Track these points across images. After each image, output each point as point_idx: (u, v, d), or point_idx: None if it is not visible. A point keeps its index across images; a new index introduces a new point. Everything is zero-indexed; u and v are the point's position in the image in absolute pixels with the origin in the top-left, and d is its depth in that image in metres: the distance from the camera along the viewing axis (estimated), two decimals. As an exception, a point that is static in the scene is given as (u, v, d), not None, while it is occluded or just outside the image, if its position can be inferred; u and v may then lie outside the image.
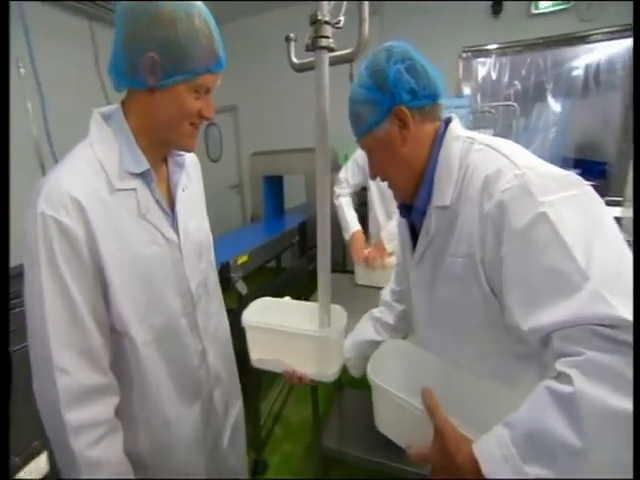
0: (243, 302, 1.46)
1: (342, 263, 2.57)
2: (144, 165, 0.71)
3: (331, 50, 0.72)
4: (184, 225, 0.79)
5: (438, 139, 0.71)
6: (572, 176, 0.56)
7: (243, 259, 1.53)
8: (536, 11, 3.31)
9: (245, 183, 4.48)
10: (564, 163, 3.57)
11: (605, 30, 3.16)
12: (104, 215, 0.65)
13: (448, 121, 0.73)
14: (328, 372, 0.87)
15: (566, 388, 0.44)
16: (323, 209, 0.82)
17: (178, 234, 0.77)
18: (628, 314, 0.43)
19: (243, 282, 1.50)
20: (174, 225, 0.77)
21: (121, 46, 0.65)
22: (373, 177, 0.79)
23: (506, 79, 3.69)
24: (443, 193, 0.67)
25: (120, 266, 0.67)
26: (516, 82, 3.71)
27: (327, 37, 0.70)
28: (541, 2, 3.25)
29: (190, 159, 0.88)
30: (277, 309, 0.96)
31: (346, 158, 3.98)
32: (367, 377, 0.69)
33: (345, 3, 0.75)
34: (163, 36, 0.63)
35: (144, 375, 0.73)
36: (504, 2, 3.31)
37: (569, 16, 3.22)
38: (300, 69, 0.98)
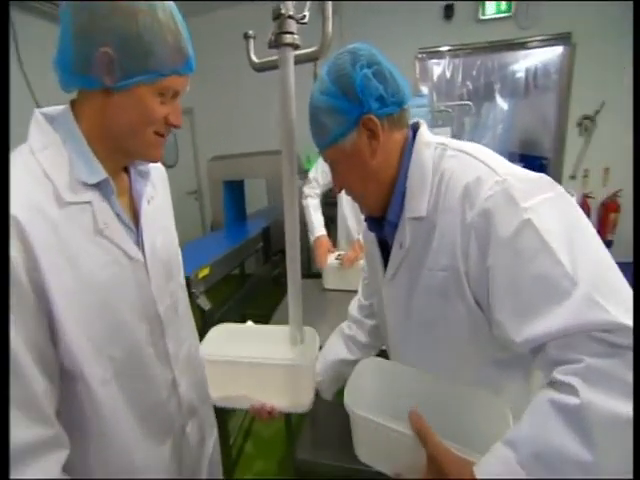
0: (206, 319, 1.36)
1: (308, 267, 2.52)
2: (101, 174, 0.61)
3: (296, 47, 0.67)
4: (150, 241, 0.70)
5: (407, 147, 0.66)
6: (545, 178, 0.55)
7: (204, 272, 1.43)
8: (483, 17, 3.54)
9: (204, 189, 4.30)
10: (511, 157, 3.79)
11: (540, 38, 3.52)
12: (50, 234, 0.54)
13: (415, 127, 0.69)
14: (303, 402, 0.82)
15: (572, 400, 0.43)
16: (292, 221, 0.77)
17: (144, 252, 0.68)
18: (624, 318, 0.43)
19: (205, 297, 1.40)
20: (139, 242, 0.68)
21: (70, 38, 0.56)
22: (338, 190, 0.73)
23: (459, 79, 3.88)
24: (417, 203, 0.63)
25: (71, 294, 0.56)
26: (468, 82, 3.92)
27: (292, 33, 0.65)
28: (487, 9, 3.48)
29: (156, 168, 0.80)
30: (239, 336, 0.89)
31: (309, 160, 3.97)
32: (345, 406, 0.63)
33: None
34: (122, 28, 0.54)
35: (102, 419, 0.62)
36: (455, 7, 3.50)
37: (510, 24, 3.51)
38: (261, 68, 0.92)
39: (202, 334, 1.42)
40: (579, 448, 0.41)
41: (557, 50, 3.65)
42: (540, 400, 0.47)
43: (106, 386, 0.62)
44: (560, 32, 3.49)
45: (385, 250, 0.74)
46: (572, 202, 0.54)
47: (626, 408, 0.41)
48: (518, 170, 0.57)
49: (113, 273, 0.62)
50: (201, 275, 1.40)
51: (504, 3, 3.48)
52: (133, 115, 0.60)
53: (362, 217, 0.77)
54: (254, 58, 0.93)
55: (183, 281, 0.84)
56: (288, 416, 1.52)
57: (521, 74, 3.95)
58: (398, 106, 0.64)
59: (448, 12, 3.54)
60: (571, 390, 0.43)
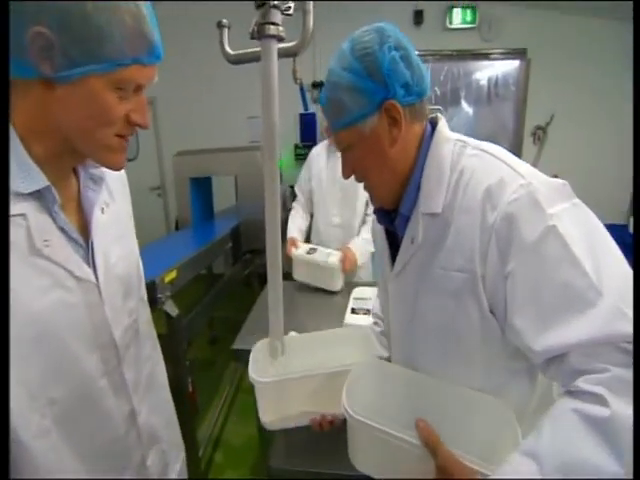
0: (174, 325, 1.28)
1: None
2: (39, 181, 0.51)
3: (280, 40, 0.63)
4: (104, 257, 0.61)
5: (426, 140, 0.64)
6: (567, 185, 0.54)
7: (171, 275, 1.33)
8: (450, 26, 3.73)
9: (168, 185, 4.08)
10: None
11: (500, 51, 3.86)
12: None
13: (433, 121, 0.67)
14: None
15: (601, 411, 0.42)
16: (273, 224, 0.72)
17: (95, 269, 0.59)
18: None
19: (172, 302, 1.31)
20: (89, 258, 0.59)
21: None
22: (347, 176, 0.69)
23: (429, 84, 3.97)
24: (433, 199, 0.61)
25: None
26: (436, 87, 4.05)
27: (276, 24, 0.60)
28: (454, 18, 3.68)
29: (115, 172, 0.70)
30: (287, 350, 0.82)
31: (280, 158, 3.90)
32: (344, 411, 0.59)
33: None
34: (63, 5, 0.45)
35: (41, 475, 0.53)
36: (424, 14, 3.64)
37: (475, 35, 3.78)
38: (236, 61, 0.86)
39: (169, 341, 1.35)
40: (610, 460, 0.41)
41: (515, 63, 3.94)
42: (563, 409, 0.46)
43: (43, 438, 0.52)
44: (517, 47, 3.80)
45: (393, 244, 0.71)
46: (590, 212, 0.53)
47: None
48: (540, 174, 0.56)
49: (55, 299, 0.53)
50: (167, 279, 1.30)
51: (469, 14, 3.68)
52: (84, 113, 0.50)
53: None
54: (228, 49, 0.88)
55: (144, 293, 0.76)
56: (262, 426, 1.47)
57: (484, 82, 4.13)
58: (420, 96, 0.62)
59: (418, 18, 3.67)
60: (599, 400, 0.43)
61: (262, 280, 2.31)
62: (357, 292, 1.56)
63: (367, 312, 1.40)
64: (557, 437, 0.45)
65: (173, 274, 1.35)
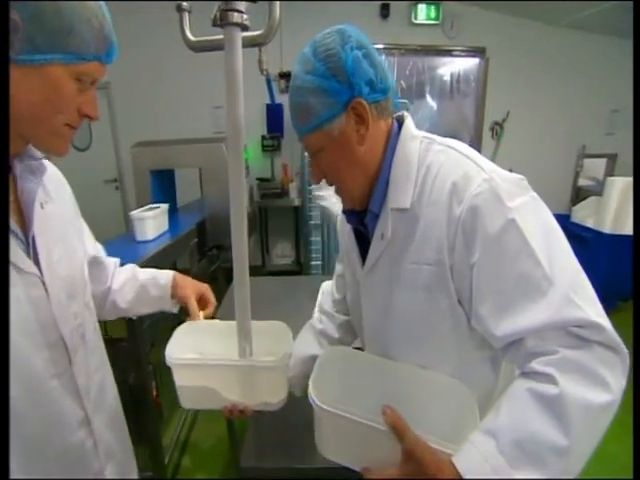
0: (135, 328, 1.21)
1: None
2: None
3: (244, 28, 0.59)
4: (46, 252, 0.58)
5: (393, 137, 0.65)
6: (524, 180, 0.58)
7: (132, 275, 1.26)
8: (415, 21, 3.80)
9: (126, 177, 3.84)
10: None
11: (461, 48, 4.02)
12: None
13: (400, 119, 0.68)
14: (276, 400, 0.77)
15: (551, 389, 0.46)
16: (239, 220, 0.69)
17: (39, 265, 0.56)
18: (595, 317, 0.47)
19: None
20: (30, 253, 0.56)
21: None
22: (318, 180, 0.69)
23: (394, 77, 4.07)
24: (401, 195, 0.62)
25: None
26: (402, 81, 4.11)
27: (240, 12, 0.56)
28: (419, 14, 3.76)
29: (51, 172, 0.67)
30: (206, 335, 0.81)
31: (246, 150, 3.80)
32: (310, 400, 0.59)
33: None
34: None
35: None
36: (390, 8, 3.68)
37: (439, 31, 3.90)
38: (199, 48, 0.81)
39: (131, 345, 1.28)
40: (557, 434, 0.45)
41: (475, 61, 4.12)
42: (518, 389, 0.50)
43: None
44: (477, 46, 3.99)
45: (362, 242, 0.71)
46: (545, 205, 0.57)
47: (596, 396, 0.45)
48: (500, 169, 0.58)
49: None
50: (127, 280, 1.22)
51: (433, 11, 3.77)
52: (40, 96, 0.51)
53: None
54: (190, 35, 0.82)
55: (90, 300, 0.72)
56: (231, 424, 1.44)
57: (447, 78, 4.26)
58: (385, 93, 0.62)
59: (384, 11, 3.69)
60: (549, 379, 0.46)
61: (229, 275, 2.25)
62: (325, 286, 1.55)
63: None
64: (512, 414, 0.48)
65: (133, 274, 1.27)
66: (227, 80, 0.60)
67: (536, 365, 0.48)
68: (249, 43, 0.76)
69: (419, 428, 0.53)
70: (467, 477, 0.46)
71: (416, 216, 0.61)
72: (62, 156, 0.58)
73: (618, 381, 0.46)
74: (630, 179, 2.85)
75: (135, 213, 1.76)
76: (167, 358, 0.72)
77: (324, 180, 0.68)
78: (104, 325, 1.03)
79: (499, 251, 0.53)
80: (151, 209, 1.85)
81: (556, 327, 0.48)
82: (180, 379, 0.75)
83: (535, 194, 0.57)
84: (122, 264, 1.32)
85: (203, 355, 0.80)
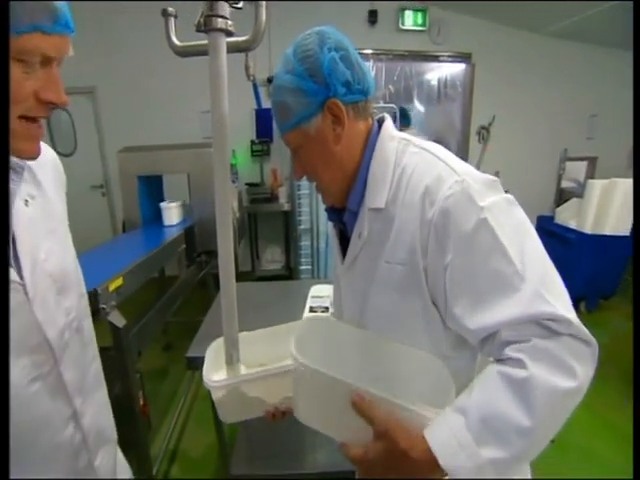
0: (121, 336, 1.19)
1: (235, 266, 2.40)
2: None
3: (229, 34, 0.59)
4: (31, 253, 0.56)
5: (372, 138, 0.66)
6: (496, 180, 0.59)
7: (117, 283, 1.23)
8: (402, 27, 3.85)
9: (113, 183, 3.79)
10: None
11: (448, 54, 4.09)
12: None
13: (380, 120, 0.69)
14: None
15: (520, 373, 0.48)
16: (224, 225, 0.68)
17: (19, 267, 0.54)
18: (565, 312, 0.49)
19: (118, 311, 1.21)
20: (13, 255, 0.54)
21: None
22: (299, 177, 0.71)
23: (382, 82, 4.13)
24: (377, 195, 0.64)
25: None
26: (390, 86, 4.17)
27: (224, 17, 0.56)
28: (406, 20, 3.81)
29: (46, 157, 0.63)
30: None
31: (234, 155, 3.79)
32: (293, 358, 0.59)
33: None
34: None
35: None
36: (378, 14, 3.73)
37: (425, 37, 3.97)
38: (184, 53, 0.80)
39: (116, 353, 1.25)
40: (521, 415, 0.47)
41: (461, 66, 4.20)
42: (490, 372, 0.52)
43: None
44: (463, 51, 4.07)
45: (344, 239, 0.73)
46: (517, 205, 0.58)
47: (562, 382, 0.47)
48: (473, 171, 0.60)
49: None
50: (112, 287, 1.20)
51: (420, 17, 3.83)
52: None
53: None
54: (175, 40, 0.82)
55: (84, 291, 0.71)
56: (221, 431, 1.42)
57: (434, 83, 4.34)
58: (363, 95, 0.63)
59: (372, 17, 3.74)
60: (519, 364, 0.49)
61: (218, 282, 2.23)
62: (315, 290, 1.55)
63: (325, 310, 1.40)
64: (482, 394, 0.51)
65: (119, 281, 1.25)
66: (211, 86, 0.60)
67: (508, 351, 0.51)
68: (235, 49, 0.76)
69: (398, 397, 0.53)
70: (436, 450, 0.49)
71: (391, 216, 0.62)
72: (28, 159, 0.54)
73: (585, 370, 0.49)
74: (609, 181, 2.93)
75: (164, 204, 2.35)
76: (205, 381, 0.70)
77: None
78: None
79: (472, 250, 0.54)
80: (172, 201, 2.43)
81: (528, 320, 0.50)
82: (220, 398, 0.73)
83: (508, 195, 0.57)
84: (108, 271, 1.30)
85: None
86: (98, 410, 0.68)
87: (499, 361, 0.52)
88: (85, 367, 0.65)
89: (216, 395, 0.72)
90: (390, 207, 0.62)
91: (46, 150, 0.64)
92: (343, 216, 0.70)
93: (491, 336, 0.54)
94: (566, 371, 0.48)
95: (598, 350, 0.50)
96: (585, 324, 0.50)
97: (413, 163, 0.62)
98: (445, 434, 0.50)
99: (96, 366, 0.70)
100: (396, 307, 0.64)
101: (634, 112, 1.72)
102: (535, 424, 0.47)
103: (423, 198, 0.57)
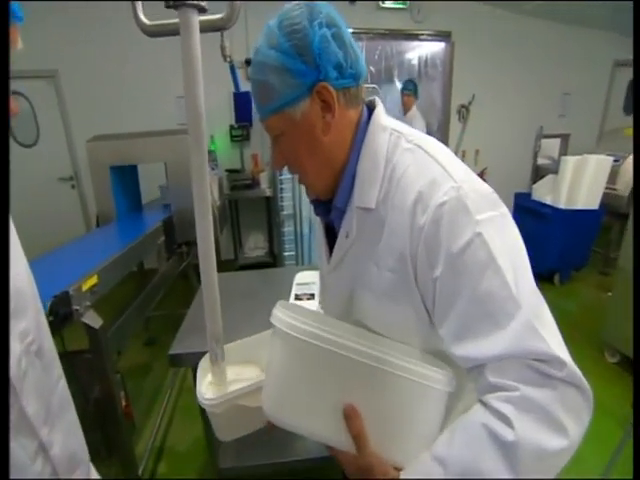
0: (98, 337, 1.13)
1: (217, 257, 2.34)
2: None
3: (202, 10, 0.53)
4: None
5: (362, 127, 0.59)
6: (495, 194, 0.54)
7: (91, 282, 1.15)
8: (383, 5, 3.80)
9: (83, 174, 3.57)
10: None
11: (428, 32, 4.07)
12: None
13: (370, 105, 0.62)
14: None
15: (508, 435, 0.44)
16: (203, 216, 0.64)
17: None
18: (558, 350, 0.45)
19: (94, 311, 1.14)
20: None
21: None
22: (278, 168, 0.63)
23: (365, 67, 4.03)
24: (367, 193, 0.58)
25: None
26: (371, 66, 4.09)
27: (195, -9, 0.50)
28: None
29: None
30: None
31: (213, 141, 3.65)
32: (272, 324, 0.54)
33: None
34: None
35: None
36: None
37: (406, 16, 3.92)
38: (154, 33, 0.74)
39: (94, 355, 1.18)
40: (506, 477, 0.44)
41: (441, 45, 4.18)
42: (475, 422, 0.48)
43: None
44: (443, 30, 4.05)
45: (331, 237, 0.67)
46: (514, 224, 0.53)
47: (551, 442, 0.44)
48: (473, 177, 0.54)
49: None
50: (86, 287, 1.13)
51: None
52: None
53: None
54: (144, 19, 0.75)
55: (40, 306, 0.65)
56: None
57: (415, 62, 4.30)
58: (355, 80, 0.57)
59: (352, -4, 3.61)
60: (506, 421, 0.45)
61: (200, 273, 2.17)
62: (300, 277, 1.51)
63: (311, 297, 1.37)
64: (464, 447, 0.48)
65: (93, 280, 1.18)
66: (184, 67, 0.54)
67: (495, 401, 0.47)
68: (209, 27, 0.70)
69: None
70: None
71: (381, 218, 0.56)
72: None
73: (578, 423, 0.45)
74: (581, 157, 3.01)
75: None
76: (200, 401, 0.66)
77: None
78: (60, 338, 0.95)
79: (463, 266, 0.48)
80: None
81: (517, 356, 0.46)
82: (216, 417, 0.69)
83: (506, 210, 0.52)
84: (81, 270, 1.22)
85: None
86: (67, 433, 0.63)
87: (484, 404, 0.49)
88: (50, 392, 0.60)
89: (214, 412, 0.67)
90: (381, 208, 0.56)
91: None
92: (330, 210, 0.64)
93: (476, 368, 0.49)
94: (557, 428, 0.44)
95: (592, 398, 0.46)
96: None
97: (405, 162, 0.55)
98: None
99: (61, 386, 0.64)
100: (385, 312, 0.59)
101: (634, 112, 1.75)
102: None
103: (415, 204, 0.52)
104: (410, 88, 3.49)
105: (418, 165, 0.54)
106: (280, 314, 0.52)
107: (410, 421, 0.52)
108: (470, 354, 0.49)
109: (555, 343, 0.46)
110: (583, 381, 0.46)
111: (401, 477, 0.50)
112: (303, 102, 0.54)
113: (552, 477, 0.46)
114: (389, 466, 0.51)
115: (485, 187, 0.53)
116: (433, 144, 0.58)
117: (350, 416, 0.50)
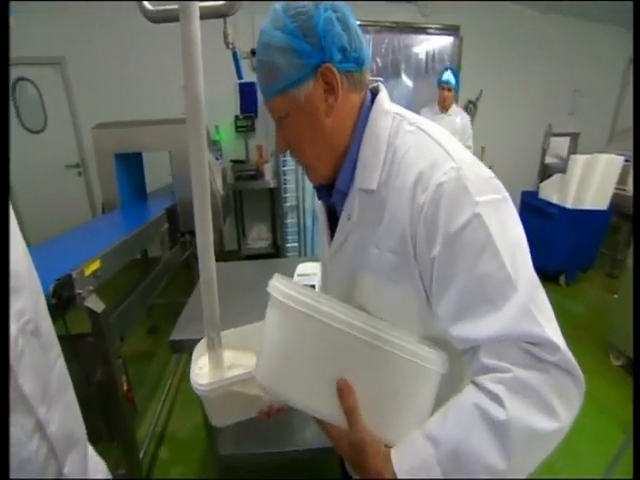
0: (100, 321, 1.15)
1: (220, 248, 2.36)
2: None
3: (201, -4, 0.53)
4: None
5: (364, 112, 0.60)
6: (496, 180, 0.54)
7: (94, 266, 1.17)
8: None
9: (90, 162, 3.60)
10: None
11: (436, 26, 4.01)
12: None
13: (374, 91, 0.63)
14: None
15: (500, 414, 0.45)
16: (202, 204, 0.64)
17: None
18: (552, 335, 0.45)
19: (96, 296, 1.16)
20: None
21: None
22: (282, 150, 0.64)
23: (370, 54, 4.00)
24: (369, 175, 0.58)
25: None
26: (378, 59, 4.05)
27: (195, -25, 0.50)
28: None
29: None
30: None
31: (218, 132, 3.65)
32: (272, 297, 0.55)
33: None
34: None
35: None
36: None
37: (413, 9, 3.87)
38: (157, 19, 0.74)
39: (96, 339, 1.21)
40: (497, 458, 0.45)
41: (449, 39, 4.12)
42: (468, 402, 0.48)
43: None
44: (451, 24, 3.99)
45: (333, 221, 0.68)
46: (514, 210, 0.53)
47: (542, 424, 0.44)
48: (475, 161, 0.54)
49: None
50: (89, 271, 1.15)
51: None
52: None
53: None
54: (148, 5, 0.75)
55: (39, 288, 0.66)
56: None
57: (422, 56, 4.24)
58: (359, 65, 0.58)
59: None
60: (498, 400, 0.45)
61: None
62: (301, 268, 1.53)
63: (312, 288, 1.38)
64: (456, 426, 0.48)
65: (96, 264, 1.20)
66: (183, 54, 0.54)
67: (487, 382, 0.47)
68: (212, 14, 0.71)
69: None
70: (400, 477, 0.48)
71: (382, 200, 0.57)
72: None
73: (568, 409, 0.45)
74: (591, 156, 2.95)
75: None
76: (194, 386, 0.66)
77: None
78: (63, 321, 0.97)
79: (460, 247, 0.49)
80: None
81: (512, 339, 0.46)
82: (210, 403, 0.70)
83: (507, 195, 0.52)
84: (84, 254, 1.24)
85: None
86: (65, 413, 0.64)
87: (476, 385, 0.49)
88: (47, 371, 0.60)
89: (208, 397, 0.68)
90: (382, 190, 0.57)
91: None
92: (332, 195, 0.65)
93: (471, 350, 0.50)
94: (548, 411, 0.44)
95: (584, 383, 0.47)
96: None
97: (406, 144, 0.56)
98: (413, 462, 0.49)
99: (59, 366, 0.65)
100: (386, 294, 0.59)
101: (634, 112, 1.72)
102: (509, 467, 0.45)
103: (415, 184, 0.52)
104: (448, 81, 2.88)
105: (419, 147, 0.55)
106: (277, 284, 0.53)
107: (402, 399, 0.52)
108: (465, 334, 0.49)
109: (551, 328, 0.46)
110: (576, 367, 0.46)
111: (392, 455, 0.50)
112: (307, 83, 0.55)
113: (542, 458, 0.47)
114: (380, 443, 0.51)
115: (486, 171, 0.54)
116: (435, 127, 0.59)
117: (343, 391, 0.50)
